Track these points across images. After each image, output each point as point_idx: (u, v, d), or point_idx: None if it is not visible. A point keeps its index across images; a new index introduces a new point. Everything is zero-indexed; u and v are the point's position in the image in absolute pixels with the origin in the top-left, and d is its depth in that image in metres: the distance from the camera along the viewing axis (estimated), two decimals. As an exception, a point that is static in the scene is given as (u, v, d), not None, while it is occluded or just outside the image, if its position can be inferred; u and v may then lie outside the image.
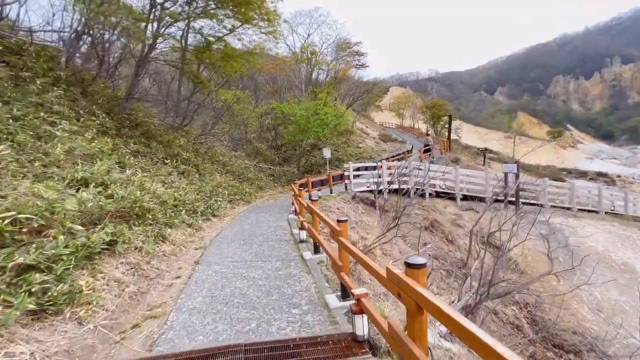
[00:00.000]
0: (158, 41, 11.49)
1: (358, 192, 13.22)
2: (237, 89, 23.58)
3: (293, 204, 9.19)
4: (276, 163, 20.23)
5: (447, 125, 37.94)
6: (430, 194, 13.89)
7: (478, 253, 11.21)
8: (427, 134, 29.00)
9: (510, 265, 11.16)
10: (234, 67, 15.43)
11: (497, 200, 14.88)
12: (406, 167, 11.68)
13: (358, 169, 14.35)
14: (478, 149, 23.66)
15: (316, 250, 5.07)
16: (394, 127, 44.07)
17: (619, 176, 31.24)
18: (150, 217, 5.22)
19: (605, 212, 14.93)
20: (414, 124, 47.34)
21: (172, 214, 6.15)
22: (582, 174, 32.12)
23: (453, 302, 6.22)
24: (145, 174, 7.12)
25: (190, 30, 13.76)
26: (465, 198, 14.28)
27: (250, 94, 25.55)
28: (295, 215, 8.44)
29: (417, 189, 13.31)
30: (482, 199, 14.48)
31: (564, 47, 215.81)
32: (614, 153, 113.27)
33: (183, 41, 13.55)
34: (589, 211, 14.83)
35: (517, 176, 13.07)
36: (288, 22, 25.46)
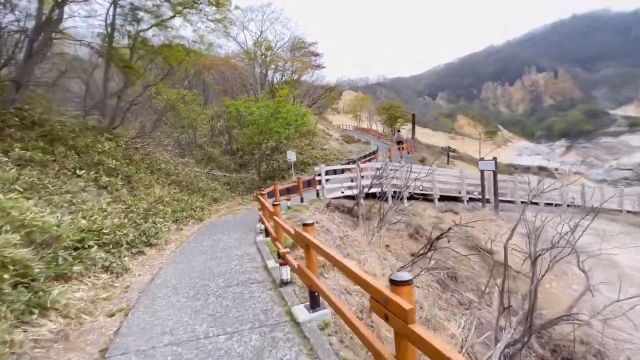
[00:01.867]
0: (69, 11, 8.67)
1: (332, 198, 11.57)
2: (182, 87, 20.57)
3: (261, 220, 7.16)
4: (232, 170, 17.76)
5: (403, 126, 38.50)
6: (408, 197, 12.79)
7: (496, 269, 10.21)
8: (398, 131, 29.03)
9: (499, 269, 10.40)
10: (177, 58, 12.87)
11: (472, 200, 14.46)
12: (393, 169, 10.29)
13: (333, 172, 12.74)
14: (442, 148, 23.95)
15: (313, 302, 3.20)
16: (352, 129, 43.70)
17: (556, 169, 34.53)
18: (13, 273, 2.89)
19: (567, 205, 15.30)
20: (371, 125, 47.60)
21: (69, 257, 3.79)
22: (527, 169, 34.60)
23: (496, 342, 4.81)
24: (30, 193, 4.60)
25: (118, 5, 10.96)
26: (442, 199, 13.48)
27: (198, 93, 22.61)
28: (266, 236, 6.44)
29: (395, 192, 12.10)
30: (458, 199, 13.84)
31: (491, 57, 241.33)
32: (537, 149, 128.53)
33: (109, 17, 10.71)
34: (556, 205, 15.05)
35: (495, 173, 12.56)
36: (242, 13, 23.10)
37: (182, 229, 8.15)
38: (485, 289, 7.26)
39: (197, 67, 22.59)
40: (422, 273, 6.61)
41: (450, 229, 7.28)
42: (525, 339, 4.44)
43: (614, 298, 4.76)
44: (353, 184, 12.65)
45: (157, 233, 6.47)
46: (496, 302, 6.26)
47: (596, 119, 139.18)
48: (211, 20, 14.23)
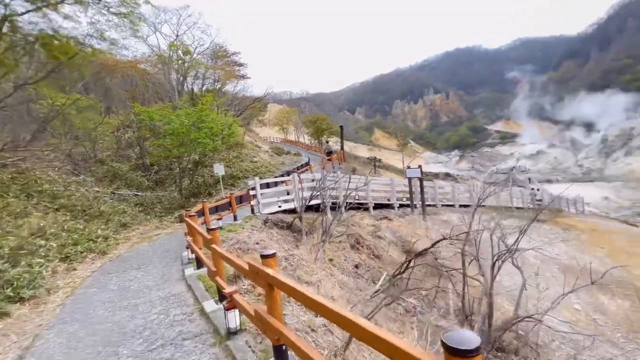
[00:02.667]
0: None
1: (269, 214, 10.68)
2: (76, 91, 16.92)
3: (189, 248, 5.87)
4: (145, 187, 15.16)
5: (329, 138, 39.75)
6: (345, 207, 12.72)
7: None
8: (327, 142, 29.33)
9: (434, 270, 11.00)
10: (64, 52, 10.39)
11: (402, 205, 15.28)
12: (332, 180, 9.96)
13: (267, 186, 11.82)
14: (367, 158, 25.21)
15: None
16: (279, 141, 43.20)
17: (458, 175, 40.54)
18: None
19: (478, 206, 17.52)
20: (298, 138, 47.90)
21: None
22: (436, 175, 39.32)
23: None
24: None
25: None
26: (375, 207, 13.85)
27: (97, 99, 19.01)
28: (199, 267, 5.23)
29: (333, 203, 11.89)
30: (389, 206, 14.43)
31: (399, 78, 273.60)
32: (439, 159, 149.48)
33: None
34: (466, 206, 17.04)
35: (421, 180, 13.49)
36: (153, 11, 20.39)
37: (75, 269, 6.18)
38: (435, 296, 7.29)
39: (97, 68, 19.11)
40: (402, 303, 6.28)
41: (435, 243, 7.07)
42: (490, 343, 4.40)
43: (550, 292, 5.13)
44: (290, 197, 12.00)
45: (32, 280, 4.64)
46: (452, 309, 6.29)
47: (478, 133, 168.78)
48: (114, 14, 12.09)
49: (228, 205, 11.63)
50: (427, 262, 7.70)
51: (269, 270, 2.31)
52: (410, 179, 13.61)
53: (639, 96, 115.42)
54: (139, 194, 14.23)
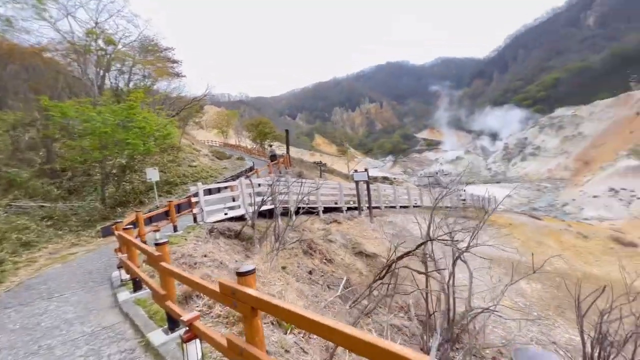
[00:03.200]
0: None
1: (214, 222, 9.80)
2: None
3: (121, 267, 4.89)
4: (55, 197, 12.65)
5: (272, 143, 39.01)
6: (296, 212, 12.42)
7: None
8: (270, 145, 28.60)
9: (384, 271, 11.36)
10: None
11: (349, 209, 15.57)
12: (285, 185, 9.58)
13: (209, 192, 10.84)
14: (314, 162, 25.21)
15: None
16: (218, 145, 40.91)
17: (395, 178, 43.74)
18: None
19: (414, 206, 18.85)
20: (239, 142, 45.97)
21: None
22: (375, 179, 41.61)
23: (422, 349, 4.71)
24: None
25: None
26: (325, 211, 13.85)
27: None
28: (136, 290, 4.37)
29: (283, 209, 11.51)
30: (338, 209, 14.57)
31: (337, 86, 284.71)
32: (375, 163, 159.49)
33: None
34: (405, 207, 18.23)
35: (368, 183, 13.92)
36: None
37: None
38: (400, 300, 7.43)
39: None
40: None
41: (418, 246, 7.03)
42: (451, 339, 4.55)
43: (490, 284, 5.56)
44: (236, 203, 11.24)
45: None
46: (412, 309, 6.44)
47: (408, 140, 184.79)
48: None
49: (165, 215, 10.39)
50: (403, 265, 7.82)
51: (250, 291, 1.92)
52: (357, 182, 13.97)
53: (528, 112, 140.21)
54: (46, 205, 11.79)
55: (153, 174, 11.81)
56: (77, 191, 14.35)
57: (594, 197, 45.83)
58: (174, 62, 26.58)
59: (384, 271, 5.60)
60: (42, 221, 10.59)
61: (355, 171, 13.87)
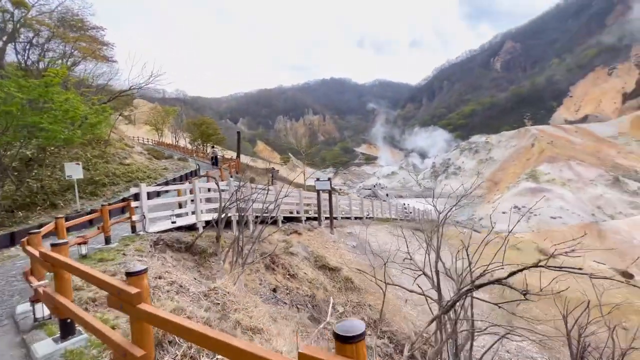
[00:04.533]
0: None
1: (158, 232, 8.15)
2: None
3: (36, 300, 3.35)
4: None
5: (214, 145, 36.26)
6: (254, 222, 11.24)
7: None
8: (213, 147, 26.52)
9: (348, 285, 10.86)
10: None
11: (308, 219, 14.83)
12: (255, 192, 8.47)
13: (156, 195, 9.03)
14: (265, 169, 23.80)
15: None
16: (152, 143, 36.57)
17: (341, 189, 44.64)
18: None
19: (367, 217, 19.02)
20: (177, 141, 41.76)
21: None
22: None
23: None
24: None
25: None
26: (285, 220, 12.92)
27: None
28: (65, 337, 2.96)
29: (240, 217, 10.30)
30: (297, 219, 13.73)
31: (282, 95, 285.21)
32: (316, 174, 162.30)
33: None
34: (359, 218, 18.26)
35: (330, 193, 13.44)
36: None
37: None
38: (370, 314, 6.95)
39: None
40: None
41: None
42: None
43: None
44: (185, 210, 9.65)
45: None
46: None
47: (348, 153, 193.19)
48: None
49: (89, 223, 8.36)
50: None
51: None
52: (319, 192, 13.40)
53: (451, 136, 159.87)
54: None
55: (74, 171, 9.46)
56: (-47, 188, 10.76)
57: (503, 213, 53.39)
58: (104, 44, 22.97)
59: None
60: None
61: (318, 179, 13.33)
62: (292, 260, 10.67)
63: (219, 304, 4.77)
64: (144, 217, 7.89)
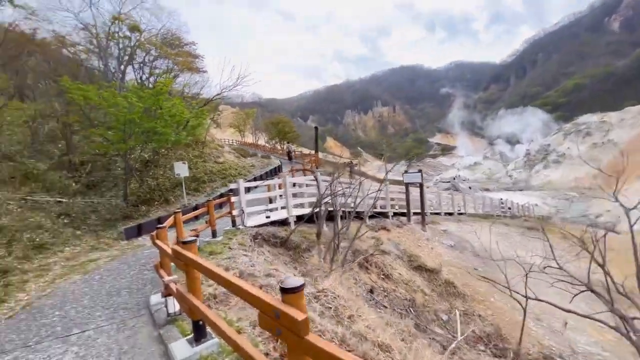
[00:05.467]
0: None
1: (254, 227, 8.30)
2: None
3: (167, 295, 3.38)
4: (73, 192, 11.41)
5: (289, 142, 37.55)
6: (341, 217, 10.84)
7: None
8: (288, 142, 28.80)
9: (450, 289, 9.64)
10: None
11: (396, 214, 13.88)
12: (349, 186, 8.03)
13: (248, 190, 9.36)
14: (343, 163, 23.66)
15: None
16: (237, 143, 39.83)
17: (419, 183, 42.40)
18: None
19: (459, 213, 16.97)
20: (257, 140, 44.85)
21: None
22: (395, 182, 39.79)
23: None
24: None
25: None
26: (371, 216, 12.21)
27: (5, 76, 14.41)
28: (200, 337, 2.82)
29: (336, 212, 9.99)
30: (384, 215, 12.90)
31: (350, 89, 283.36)
32: (388, 167, 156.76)
33: None
34: (450, 214, 16.35)
35: (422, 186, 12.23)
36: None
37: None
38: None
39: (10, 44, 14.62)
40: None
41: None
42: None
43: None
44: (275, 205, 9.72)
45: None
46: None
47: (421, 144, 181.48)
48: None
49: (195, 218, 8.96)
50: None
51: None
52: (407, 185, 12.30)
53: (549, 118, 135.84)
54: (64, 200, 10.52)
55: (182, 169, 10.44)
56: (97, 186, 13.12)
57: (631, 209, 42.69)
58: (195, 56, 25.56)
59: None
60: (59, 218, 9.30)
61: (406, 172, 12.21)
62: (384, 259, 9.88)
63: (330, 307, 4.34)
64: (243, 212, 8.13)
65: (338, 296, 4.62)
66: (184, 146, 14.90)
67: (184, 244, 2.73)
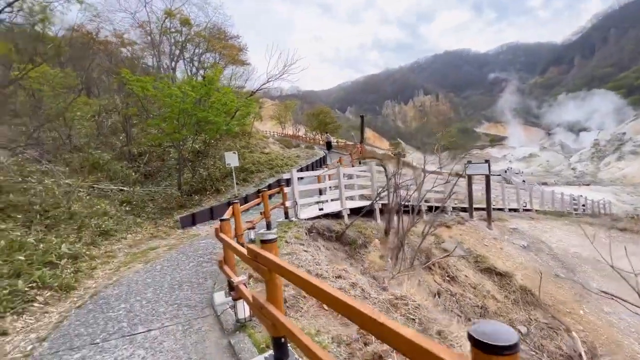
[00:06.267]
0: None
1: (307, 219, 7.85)
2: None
3: (234, 295, 2.96)
4: (133, 181, 11.96)
5: (327, 132, 36.88)
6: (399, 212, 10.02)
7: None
8: (326, 132, 29.28)
9: (527, 297, 8.45)
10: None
11: (454, 209, 12.70)
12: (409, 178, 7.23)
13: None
14: (392, 152, 22.67)
15: None
16: (277, 135, 40.14)
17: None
18: None
19: (524, 209, 15.11)
20: (297, 132, 44.90)
21: None
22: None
23: None
24: None
25: None
26: (429, 210, 11.21)
27: (72, 73, 15.53)
28: (281, 354, 2.34)
29: (400, 205, 9.22)
30: (443, 209, 11.79)
31: (389, 78, 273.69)
32: (430, 159, 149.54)
33: None
34: (514, 210, 14.59)
35: (488, 178, 10.91)
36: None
37: (6, 334, 3.18)
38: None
39: (77, 43, 15.74)
40: None
41: None
42: None
43: None
44: (324, 197, 9.18)
45: None
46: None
47: (467, 135, 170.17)
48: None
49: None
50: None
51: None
52: (470, 177, 11.03)
53: (622, 102, 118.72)
54: (125, 189, 11.03)
55: (232, 159, 10.33)
56: (153, 176, 13.70)
57: None
58: (240, 49, 25.79)
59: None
60: (121, 206, 9.71)
61: (470, 162, 10.94)
62: (448, 259, 8.90)
63: (414, 319, 3.67)
64: (296, 204, 7.70)
65: (419, 305, 3.92)
66: (231, 137, 14.99)
67: (264, 242, 2.23)
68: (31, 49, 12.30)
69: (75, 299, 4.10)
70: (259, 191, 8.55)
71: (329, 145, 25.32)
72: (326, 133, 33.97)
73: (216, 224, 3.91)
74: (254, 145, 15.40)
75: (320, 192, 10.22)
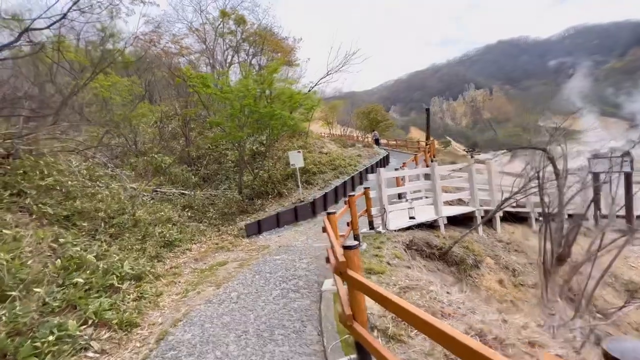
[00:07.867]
0: None
1: (397, 230, 6.30)
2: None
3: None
4: (192, 185, 11.50)
5: (374, 129, 34.66)
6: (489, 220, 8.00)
7: None
8: (373, 130, 28.86)
9: None
10: None
11: (570, 216, 10.21)
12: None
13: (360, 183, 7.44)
14: (466, 150, 20.23)
15: None
16: (326, 135, 39.12)
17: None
18: None
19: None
20: (346, 132, 43.57)
21: None
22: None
23: None
24: None
25: None
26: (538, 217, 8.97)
27: (140, 83, 15.93)
28: None
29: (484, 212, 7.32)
30: (521, 216, 9.39)
31: (436, 74, 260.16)
32: (483, 157, 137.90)
33: None
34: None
35: (629, 177, 8.34)
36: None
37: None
38: None
39: (140, 53, 16.12)
40: None
41: None
42: None
43: None
44: (421, 202, 7.50)
45: None
46: None
47: (527, 130, 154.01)
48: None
49: (313, 213, 7.49)
50: None
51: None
52: (596, 175, 8.54)
53: None
54: (186, 192, 10.53)
55: (297, 159, 9.20)
56: (210, 179, 13.25)
57: None
58: (290, 50, 25.18)
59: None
60: (184, 211, 9.11)
61: (595, 156, 8.47)
62: (583, 282, 6.66)
63: None
64: (384, 211, 6.21)
65: None
66: (287, 137, 14.06)
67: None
68: (102, 60, 12.64)
69: (138, 345, 3.07)
70: (350, 196, 7.23)
71: (377, 143, 24.69)
72: (373, 131, 32.20)
73: (318, 240, 2.56)
74: (312, 145, 14.31)
75: (400, 196, 8.63)
